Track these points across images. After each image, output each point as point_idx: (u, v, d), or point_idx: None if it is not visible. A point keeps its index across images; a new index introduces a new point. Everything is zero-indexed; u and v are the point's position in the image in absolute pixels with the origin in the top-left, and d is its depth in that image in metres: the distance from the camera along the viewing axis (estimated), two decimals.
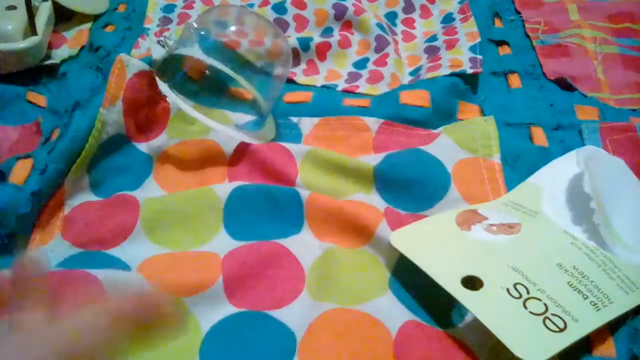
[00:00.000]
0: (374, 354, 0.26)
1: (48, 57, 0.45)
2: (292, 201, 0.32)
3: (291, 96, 0.40)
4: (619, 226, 0.30)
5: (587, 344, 0.26)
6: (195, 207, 0.33)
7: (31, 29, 0.42)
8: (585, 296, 0.26)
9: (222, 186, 0.33)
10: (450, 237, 0.30)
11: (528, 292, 0.26)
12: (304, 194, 0.32)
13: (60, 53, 0.46)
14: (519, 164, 0.35)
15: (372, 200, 0.33)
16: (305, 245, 0.31)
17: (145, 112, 0.38)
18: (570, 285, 0.27)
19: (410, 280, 0.29)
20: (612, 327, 0.27)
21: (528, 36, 0.46)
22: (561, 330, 0.25)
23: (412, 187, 0.33)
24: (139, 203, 0.33)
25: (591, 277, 0.27)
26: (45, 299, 0.19)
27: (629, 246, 0.29)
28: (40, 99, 0.41)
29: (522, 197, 0.33)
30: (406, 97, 0.38)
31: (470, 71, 0.40)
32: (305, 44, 0.44)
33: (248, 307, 0.29)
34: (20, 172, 0.33)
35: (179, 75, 0.36)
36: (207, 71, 0.35)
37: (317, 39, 0.45)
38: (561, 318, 0.25)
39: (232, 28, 0.37)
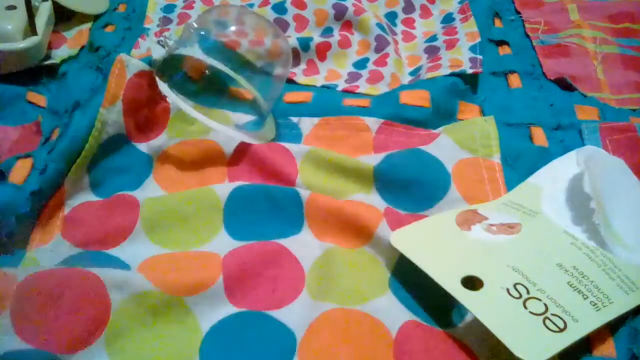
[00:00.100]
0: (374, 354, 0.26)
1: (48, 57, 0.44)
2: (292, 201, 0.32)
3: (291, 96, 0.40)
4: (619, 226, 0.30)
5: (587, 344, 0.26)
6: (195, 207, 0.33)
7: (31, 29, 0.42)
8: (585, 296, 0.26)
9: (222, 186, 0.33)
10: (450, 237, 0.30)
11: (528, 292, 0.26)
12: (304, 194, 0.32)
13: (60, 53, 0.46)
14: (519, 164, 0.35)
15: (372, 200, 0.33)
16: (305, 245, 0.31)
17: (145, 112, 0.38)
18: (570, 285, 0.27)
19: (410, 280, 0.29)
20: (612, 327, 0.27)
21: (528, 36, 0.46)
22: (561, 331, 0.25)
23: (412, 187, 0.33)
24: (139, 203, 0.33)
25: (591, 277, 0.27)
26: None
27: (629, 246, 0.29)
28: (40, 99, 0.41)
29: (522, 197, 0.33)
30: (406, 97, 0.38)
31: (470, 71, 0.40)
32: (305, 44, 0.44)
33: (248, 307, 0.29)
34: (20, 171, 0.33)
35: (179, 75, 0.36)
36: (207, 71, 0.35)
37: (317, 39, 0.45)
38: (561, 318, 0.25)
39: (232, 28, 0.37)
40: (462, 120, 0.38)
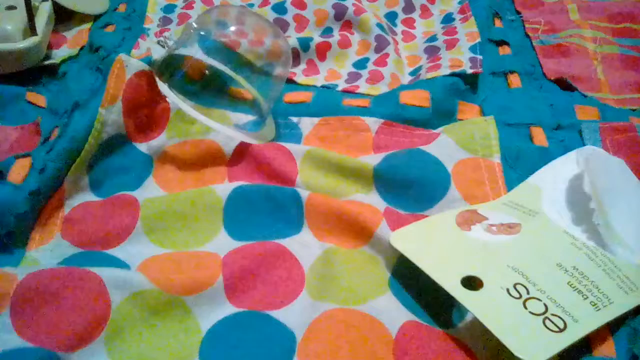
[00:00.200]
0: (374, 354, 0.26)
1: (48, 57, 0.44)
2: (292, 201, 0.32)
3: (291, 96, 0.40)
4: (619, 226, 0.30)
5: (587, 344, 0.26)
6: (195, 208, 0.33)
7: (31, 29, 0.42)
8: (585, 296, 0.26)
9: (222, 186, 0.33)
10: (450, 237, 0.30)
11: (528, 292, 0.26)
12: (304, 194, 0.32)
13: (60, 53, 0.46)
14: (519, 164, 0.35)
15: (372, 200, 0.33)
16: (305, 245, 0.31)
17: (145, 112, 0.38)
18: (570, 286, 0.27)
19: (410, 280, 0.29)
20: (612, 327, 0.27)
21: (528, 36, 0.46)
22: (561, 331, 0.25)
23: (412, 187, 0.33)
24: (139, 203, 0.33)
25: (591, 277, 0.27)
26: None
27: (629, 246, 0.29)
28: (40, 99, 0.41)
29: (522, 197, 0.33)
30: (406, 97, 0.38)
31: (470, 71, 0.40)
32: (305, 44, 0.44)
33: (248, 307, 0.28)
34: (18, 171, 0.32)
35: (178, 75, 0.36)
36: (207, 71, 0.35)
37: (317, 39, 0.45)
38: (561, 318, 0.25)
39: (232, 28, 0.37)
40: (462, 120, 0.38)
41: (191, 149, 0.36)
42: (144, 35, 0.47)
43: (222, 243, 0.32)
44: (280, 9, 0.47)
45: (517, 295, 0.26)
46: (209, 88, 0.36)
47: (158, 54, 0.39)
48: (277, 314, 0.28)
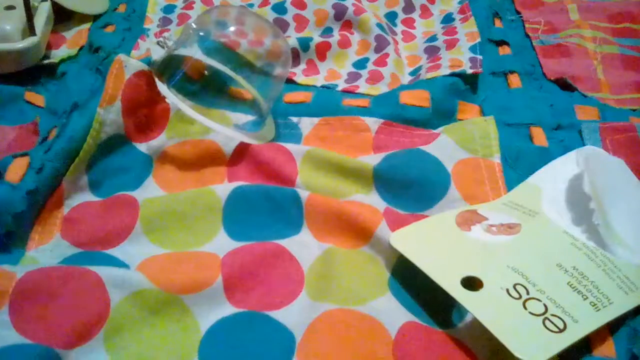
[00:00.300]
0: (373, 354, 0.26)
1: (47, 57, 0.44)
2: (291, 202, 0.32)
3: (291, 96, 0.40)
4: (619, 226, 0.30)
5: (587, 344, 0.26)
6: (195, 208, 0.32)
7: (30, 29, 0.42)
8: (585, 296, 0.26)
9: (221, 186, 0.33)
10: (450, 237, 0.30)
11: (528, 293, 0.26)
12: (304, 194, 0.32)
13: (60, 53, 0.45)
14: (519, 164, 0.35)
15: (371, 201, 0.33)
16: (304, 245, 0.31)
17: (145, 113, 0.38)
18: (570, 286, 0.27)
19: (410, 280, 0.29)
20: (612, 327, 0.27)
21: (528, 36, 0.46)
22: (561, 331, 0.25)
23: (412, 187, 0.33)
24: (138, 203, 0.33)
25: (591, 278, 0.27)
26: None
27: (629, 246, 0.29)
28: (39, 99, 0.41)
29: (522, 197, 0.33)
30: (406, 97, 0.38)
31: (470, 71, 0.39)
32: (305, 44, 0.44)
33: (247, 307, 0.28)
34: (16, 170, 0.32)
35: (178, 75, 0.36)
36: (206, 71, 0.35)
37: (317, 39, 0.45)
38: (561, 318, 0.25)
39: (232, 28, 0.37)
40: (462, 120, 0.38)
41: (191, 149, 0.36)
42: (143, 36, 0.47)
43: (222, 243, 0.31)
44: (280, 9, 0.47)
45: (517, 296, 0.26)
46: (208, 88, 0.36)
47: (158, 54, 0.39)
48: (277, 314, 0.28)
